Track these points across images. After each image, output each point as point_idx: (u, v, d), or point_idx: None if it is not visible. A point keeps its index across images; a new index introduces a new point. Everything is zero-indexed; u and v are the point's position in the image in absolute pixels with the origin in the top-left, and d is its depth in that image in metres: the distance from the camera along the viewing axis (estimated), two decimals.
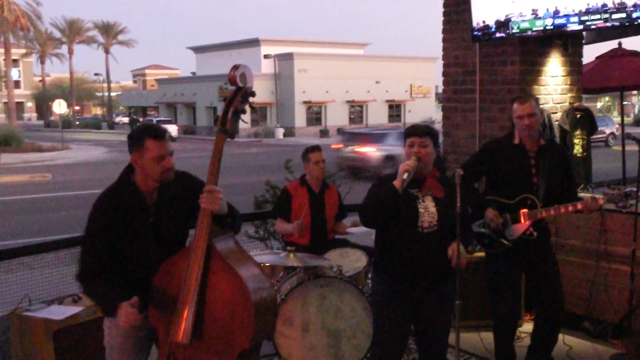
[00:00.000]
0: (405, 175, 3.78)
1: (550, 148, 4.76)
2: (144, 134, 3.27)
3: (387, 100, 57.63)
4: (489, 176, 4.90)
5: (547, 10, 5.96)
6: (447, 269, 3.97)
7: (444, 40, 7.14)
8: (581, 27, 5.78)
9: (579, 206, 4.56)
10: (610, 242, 5.73)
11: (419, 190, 3.95)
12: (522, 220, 4.67)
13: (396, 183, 3.79)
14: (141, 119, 70.15)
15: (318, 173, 5.87)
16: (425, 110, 58.73)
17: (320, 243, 5.73)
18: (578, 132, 6.72)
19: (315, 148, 5.96)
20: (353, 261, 5.43)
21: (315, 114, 55.13)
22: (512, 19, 6.20)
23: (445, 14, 7.10)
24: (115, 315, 3.13)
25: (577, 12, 5.74)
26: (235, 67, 3.23)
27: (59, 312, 4.48)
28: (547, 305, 4.82)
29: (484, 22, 6.44)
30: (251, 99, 3.37)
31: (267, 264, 5.04)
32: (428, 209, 3.94)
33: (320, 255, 5.33)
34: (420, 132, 3.94)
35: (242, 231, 8.68)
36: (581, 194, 6.13)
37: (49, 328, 4.46)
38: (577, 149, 6.73)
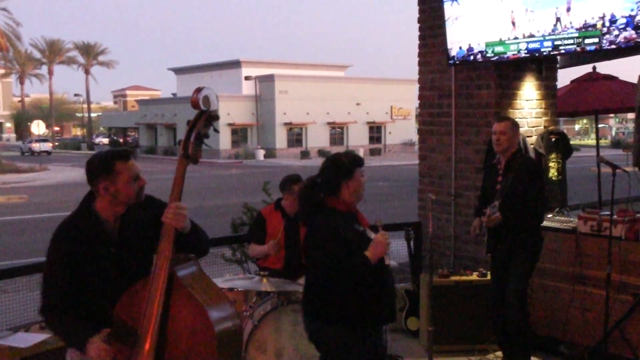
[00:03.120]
0: (387, 260, 3.57)
1: (517, 162, 5.21)
2: (112, 158, 3.16)
3: (368, 122, 57.81)
4: None
5: (522, 35, 5.99)
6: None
7: (420, 63, 7.16)
8: (555, 52, 5.82)
9: (484, 219, 5.23)
10: (586, 266, 5.73)
11: (360, 224, 3.71)
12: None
13: (373, 257, 3.49)
14: (121, 140, 69.90)
15: None
16: (406, 132, 59.01)
17: (295, 268, 5.65)
18: (553, 155, 6.74)
19: (298, 179, 5.78)
20: None
21: (296, 136, 55.14)
22: (487, 43, 6.23)
23: (420, 37, 7.12)
24: (84, 349, 3.02)
25: (550, 36, 5.78)
26: (198, 90, 3.13)
27: (25, 340, 4.37)
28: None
29: (458, 45, 6.47)
30: (216, 123, 3.26)
31: (240, 289, 4.96)
32: None
33: (294, 280, 5.26)
34: (364, 160, 3.85)
35: (219, 253, 8.60)
36: (557, 217, 6.16)
37: (14, 356, 4.34)
38: (553, 173, 6.74)
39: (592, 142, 67.13)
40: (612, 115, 60.95)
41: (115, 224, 3.23)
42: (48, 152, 57.91)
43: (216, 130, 3.34)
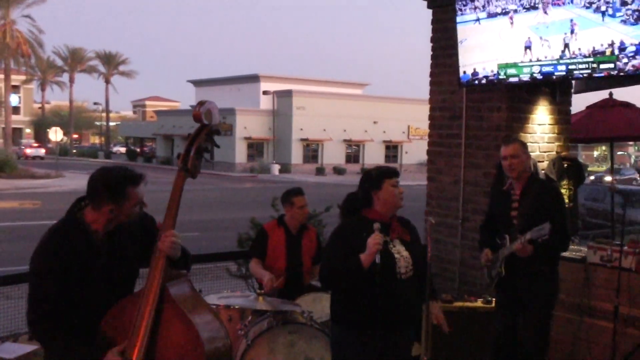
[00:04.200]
0: (377, 258, 3.65)
1: (536, 187, 4.88)
2: (125, 183, 3.09)
3: (384, 141, 57.67)
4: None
5: (537, 59, 5.87)
6: (415, 318, 3.96)
7: (431, 83, 7.05)
8: (569, 75, 5.69)
9: (514, 247, 4.72)
10: (594, 297, 5.58)
11: (387, 234, 3.82)
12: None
13: (364, 260, 3.66)
14: (138, 150, 70.27)
15: (302, 218, 5.72)
16: (422, 152, 58.13)
17: (295, 287, 5.54)
18: (565, 182, 6.59)
19: (299, 192, 5.76)
20: (326, 307, 5.20)
21: (312, 152, 55.09)
22: (500, 65, 6.11)
23: (433, 57, 7.02)
24: None
25: (564, 60, 5.65)
26: (201, 103, 3.07)
27: (12, 350, 4.28)
28: (521, 354, 4.91)
29: (471, 67, 6.36)
30: (217, 137, 3.22)
31: (236, 307, 4.85)
32: (401, 254, 3.85)
33: (293, 299, 5.14)
34: (397, 172, 4.00)
35: (223, 268, 8.51)
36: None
37: None
38: (560, 191, 6.58)
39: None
40: (631, 143, 60.40)
41: (103, 235, 3.16)
42: (41, 158, 58.97)
43: (216, 145, 3.27)
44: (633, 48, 5.14)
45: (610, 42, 5.28)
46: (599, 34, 5.35)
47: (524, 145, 5.01)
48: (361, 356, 3.81)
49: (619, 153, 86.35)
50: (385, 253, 3.72)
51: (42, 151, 64.12)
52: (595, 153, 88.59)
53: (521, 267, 4.80)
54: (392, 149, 59.10)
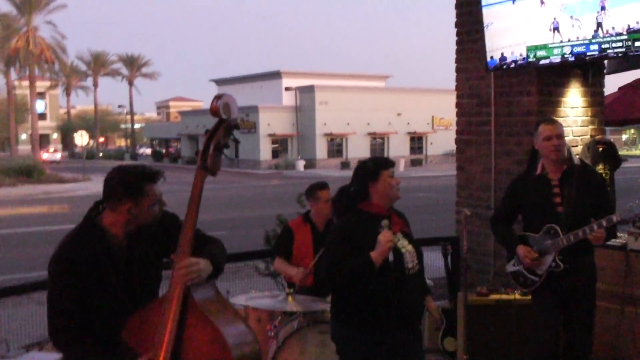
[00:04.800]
0: (390, 256, 3.50)
1: (576, 172, 4.49)
2: (143, 180, 2.96)
3: (409, 132, 57.31)
4: (521, 213, 4.73)
5: (568, 39, 5.63)
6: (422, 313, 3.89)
7: (457, 70, 6.85)
8: (602, 54, 5.45)
9: (580, 234, 4.29)
10: (637, 286, 5.33)
11: (389, 228, 3.63)
12: (547, 253, 4.46)
13: (376, 258, 3.50)
14: (163, 151, 70.68)
15: (328, 212, 5.53)
16: (447, 142, 58.16)
17: (325, 285, 5.37)
18: (600, 166, 6.33)
19: (324, 185, 5.60)
20: None
21: (336, 146, 54.94)
22: (529, 47, 5.88)
23: (458, 42, 6.82)
24: None
25: (597, 39, 5.42)
26: (218, 97, 2.88)
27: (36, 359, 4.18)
28: (570, 354, 4.53)
29: (499, 51, 6.14)
30: (236, 132, 3.00)
31: (265, 309, 4.71)
32: (407, 248, 3.71)
33: (324, 298, 4.98)
34: (393, 162, 3.83)
35: (252, 266, 8.39)
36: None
37: None
38: (601, 175, 6.34)
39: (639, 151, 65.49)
40: None
41: (123, 239, 3.03)
42: (57, 162, 60.11)
43: (236, 141, 3.10)
44: None
45: None
46: (634, 10, 5.10)
47: (562, 126, 4.64)
48: (374, 358, 3.64)
49: None
50: (394, 249, 3.57)
51: (57, 155, 64.89)
52: (624, 136, 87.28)
53: (577, 259, 4.44)
54: (416, 141, 58.74)
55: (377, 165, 3.73)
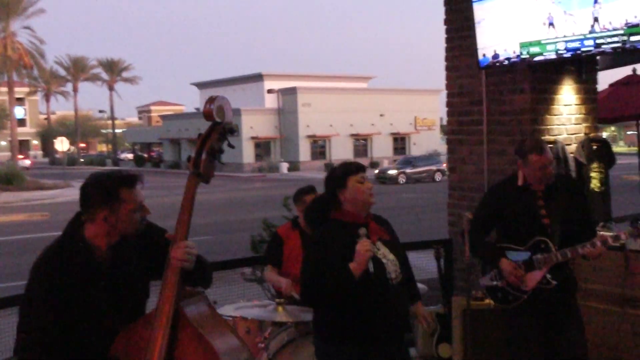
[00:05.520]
0: (370, 267, 3.32)
1: (559, 183, 4.34)
2: (117, 185, 2.75)
3: (392, 133, 57.39)
4: (498, 223, 4.45)
5: (563, 35, 5.48)
6: (409, 324, 3.70)
7: (447, 68, 6.67)
8: (597, 50, 5.29)
9: (580, 251, 4.10)
10: (637, 287, 5.19)
11: (367, 237, 3.45)
12: (537, 268, 4.20)
13: (355, 269, 3.31)
14: (145, 155, 70.15)
15: None
16: (430, 142, 58.44)
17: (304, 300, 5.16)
18: (595, 164, 6.20)
19: (311, 190, 5.43)
20: None
21: (319, 148, 54.89)
22: (522, 44, 5.72)
23: (447, 40, 6.64)
24: None
25: (592, 34, 5.26)
26: (212, 100, 2.72)
27: None
28: None
29: (491, 49, 5.97)
30: (231, 137, 2.86)
31: (254, 320, 4.50)
32: (387, 257, 3.52)
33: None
34: (364, 167, 3.65)
35: (238, 273, 8.19)
36: (602, 233, 5.60)
37: None
38: (595, 184, 6.20)
39: (621, 149, 65.99)
40: None
41: (107, 252, 2.81)
42: (27, 168, 58.53)
43: (231, 146, 2.92)
44: None
45: None
46: (632, 4, 4.96)
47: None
48: None
49: (629, 132, 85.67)
50: (373, 259, 3.39)
51: (27, 162, 63.64)
52: (605, 134, 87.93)
53: (564, 274, 4.27)
54: (399, 141, 58.88)
55: (344, 171, 3.56)
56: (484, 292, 5.70)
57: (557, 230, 4.20)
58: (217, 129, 2.75)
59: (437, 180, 39.81)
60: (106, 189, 2.73)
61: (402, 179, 40.60)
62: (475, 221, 4.56)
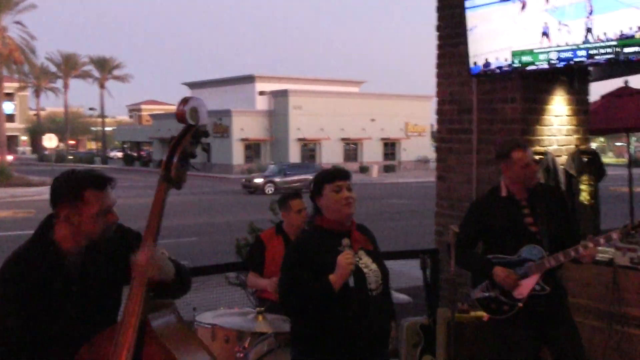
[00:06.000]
0: (350, 280, 3.20)
1: (541, 191, 4.32)
2: (83, 185, 2.61)
3: (382, 138, 57.37)
4: (484, 236, 4.40)
5: (557, 44, 5.39)
6: (389, 337, 3.53)
7: (438, 75, 6.58)
8: (590, 60, 5.21)
9: (572, 253, 4.05)
10: (625, 303, 5.10)
11: (349, 246, 3.34)
12: (530, 275, 4.14)
13: (335, 281, 3.19)
14: (135, 154, 69.82)
15: (300, 222, 5.22)
16: (420, 148, 58.49)
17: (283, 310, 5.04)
18: (585, 177, 6.13)
19: (296, 195, 5.33)
20: None
21: (309, 151, 54.78)
22: (514, 52, 5.63)
23: (439, 47, 6.55)
24: None
25: (585, 45, 5.18)
26: (185, 101, 2.57)
27: None
28: None
29: (482, 57, 5.88)
30: (205, 140, 2.70)
31: (233, 329, 4.37)
32: (369, 267, 3.38)
33: None
34: (346, 174, 3.44)
35: (222, 276, 8.07)
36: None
37: None
38: (584, 196, 6.12)
39: (609, 160, 66.26)
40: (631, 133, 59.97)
41: (77, 257, 2.67)
42: (9, 164, 57.59)
43: (204, 149, 2.77)
44: None
45: None
46: (627, 15, 4.88)
47: None
48: None
49: (617, 144, 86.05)
50: (355, 269, 3.26)
51: (9, 157, 62.45)
52: (594, 145, 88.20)
53: (555, 279, 4.24)
54: (390, 146, 58.88)
55: (321, 178, 3.43)
56: (471, 305, 5.64)
57: (546, 237, 4.16)
58: (190, 132, 2.61)
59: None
60: (71, 187, 2.61)
61: (269, 189, 35.73)
62: (461, 236, 4.52)
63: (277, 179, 37.33)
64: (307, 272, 3.24)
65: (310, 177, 33.73)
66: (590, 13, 5.12)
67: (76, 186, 2.61)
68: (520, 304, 4.15)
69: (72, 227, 2.62)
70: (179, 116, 2.57)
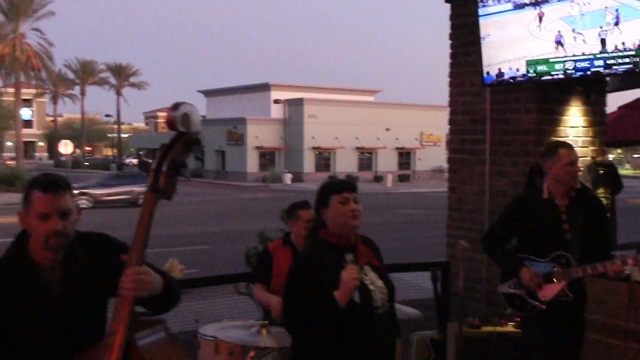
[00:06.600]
0: (356, 296, 3.05)
1: (582, 200, 4.37)
2: (31, 185, 2.48)
3: (397, 148, 57.17)
4: (519, 233, 4.53)
5: (573, 54, 5.27)
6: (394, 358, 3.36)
7: (451, 84, 6.49)
8: (607, 70, 5.08)
9: (600, 268, 4.11)
10: None
11: (355, 261, 3.18)
12: (556, 281, 4.25)
13: (340, 298, 3.04)
14: (150, 161, 70.03)
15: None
16: (435, 158, 58.22)
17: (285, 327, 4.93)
18: (601, 189, 6.00)
19: (305, 204, 5.19)
20: None
21: (324, 160, 54.68)
22: (528, 61, 5.51)
23: (452, 55, 6.45)
24: None
25: (602, 54, 5.05)
26: (176, 106, 2.41)
27: None
28: None
29: (496, 66, 5.76)
30: (197, 147, 2.51)
31: (237, 344, 4.27)
32: (375, 284, 3.25)
33: None
34: (352, 186, 3.30)
35: (232, 287, 7.98)
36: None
37: None
38: (603, 202, 5.98)
39: (627, 171, 65.66)
40: None
41: (55, 271, 2.51)
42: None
43: (198, 158, 2.65)
44: None
45: None
46: None
47: None
48: None
49: (635, 156, 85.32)
50: (361, 287, 3.12)
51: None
52: (611, 156, 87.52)
53: (581, 290, 4.35)
54: (404, 156, 58.67)
55: (327, 189, 3.30)
56: (482, 320, 5.53)
57: (578, 246, 4.25)
58: (181, 139, 2.46)
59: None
60: (25, 189, 2.51)
61: (84, 203, 27.60)
62: (496, 229, 4.67)
63: (96, 191, 31.09)
64: (311, 289, 3.11)
65: (136, 188, 29.96)
66: (616, 23, 4.98)
67: (27, 187, 2.50)
68: (544, 306, 4.26)
69: (31, 233, 2.48)
70: (169, 122, 2.42)
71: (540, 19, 5.42)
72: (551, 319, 4.28)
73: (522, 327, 4.67)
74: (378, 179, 53.22)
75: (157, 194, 2.43)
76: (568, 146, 4.38)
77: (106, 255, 2.57)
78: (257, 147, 52.52)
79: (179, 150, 2.46)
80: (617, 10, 4.91)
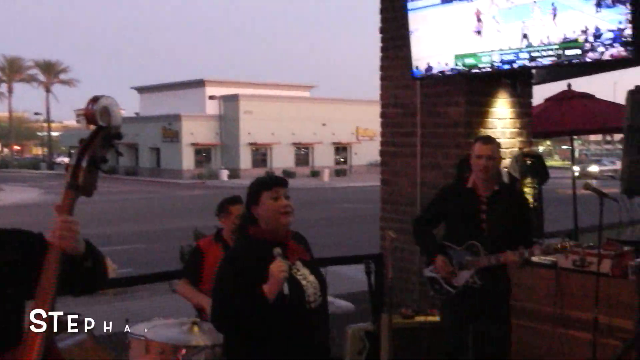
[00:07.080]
0: (285, 288, 3.01)
1: (505, 194, 4.57)
2: None
3: (334, 143, 57.46)
4: (445, 221, 4.75)
5: (500, 48, 5.36)
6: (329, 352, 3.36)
7: (382, 78, 6.51)
8: (532, 63, 5.19)
9: (501, 259, 4.34)
10: (568, 306, 5.09)
11: (285, 256, 3.15)
12: (467, 269, 4.50)
13: (269, 292, 3.00)
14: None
15: None
16: (371, 152, 58.66)
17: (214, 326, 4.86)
18: (528, 180, 6.11)
19: (236, 200, 5.12)
20: None
21: (260, 156, 54.52)
22: (456, 55, 5.58)
23: (383, 49, 6.48)
24: None
25: (527, 48, 5.16)
26: (95, 99, 2.33)
27: None
28: None
29: (424, 61, 5.81)
30: (118, 142, 2.43)
31: (168, 343, 4.18)
32: (307, 278, 3.22)
33: None
34: (284, 181, 3.27)
35: (168, 285, 7.86)
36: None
37: None
38: (528, 199, 6.10)
39: (556, 162, 67.69)
40: (575, 137, 61.40)
41: None
42: None
43: (118, 153, 2.56)
44: (610, 35, 4.63)
45: (583, 29, 4.79)
46: (571, 19, 4.87)
47: (499, 147, 4.67)
48: None
49: (563, 147, 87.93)
50: (291, 281, 3.09)
51: None
52: (541, 148, 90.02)
53: (494, 277, 4.46)
54: (341, 151, 59.00)
55: (258, 185, 3.25)
56: (415, 310, 5.60)
57: (493, 237, 4.40)
58: (100, 133, 2.38)
59: None
60: None
61: None
62: (423, 214, 4.98)
63: None
64: (239, 285, 3.06)
65: None
66: (554, 15, 5.08)
67: None
68: (454, 291, 4.52)
69: None
70: (88, 116, 2.33)
71: (469, 13, 5.48)
72: (462, 304, 4.52)
73: (440, 311, 4.97)
74: (315, 174, 53.36)
75: (76, 191, 2.32)
76: (485, 140, 4.55)
77: (19, 253, 2.42)
78: (193, 144, 51.94)
79: (98, 144, 2.36)
80: (552, 4, 4.99)
